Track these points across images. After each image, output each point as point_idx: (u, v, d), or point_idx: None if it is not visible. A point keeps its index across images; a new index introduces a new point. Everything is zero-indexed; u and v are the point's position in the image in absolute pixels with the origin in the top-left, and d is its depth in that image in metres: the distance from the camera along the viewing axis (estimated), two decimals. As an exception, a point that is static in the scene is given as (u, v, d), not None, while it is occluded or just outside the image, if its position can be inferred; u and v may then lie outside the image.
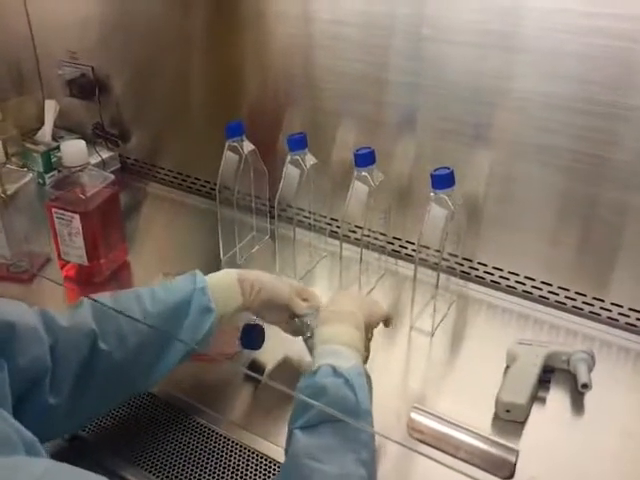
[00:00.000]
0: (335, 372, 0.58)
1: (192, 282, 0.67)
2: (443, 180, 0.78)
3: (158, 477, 0.64)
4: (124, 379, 0.63)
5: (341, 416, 0.53)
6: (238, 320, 0.75)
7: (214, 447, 0.67)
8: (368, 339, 0.71)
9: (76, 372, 0.59)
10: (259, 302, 0.70)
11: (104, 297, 0.65)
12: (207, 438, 0.68)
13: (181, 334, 0.65)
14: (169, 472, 0.65)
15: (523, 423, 0.70)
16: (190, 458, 0.66)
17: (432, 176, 0.78)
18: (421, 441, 0.67)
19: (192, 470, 0.65)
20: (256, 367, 0.78)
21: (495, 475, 0.63)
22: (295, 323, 0.74)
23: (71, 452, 0.63)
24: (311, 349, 0.69)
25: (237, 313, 0.70)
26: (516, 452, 0.65)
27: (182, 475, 0.64)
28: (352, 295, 0.81)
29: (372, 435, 0.56)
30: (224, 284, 0.69)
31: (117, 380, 0.62)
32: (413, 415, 0.69)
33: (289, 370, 0.77)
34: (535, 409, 0.72)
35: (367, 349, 0.70)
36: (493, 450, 0.65)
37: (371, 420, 0.58)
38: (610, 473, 0.65)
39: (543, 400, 0.73)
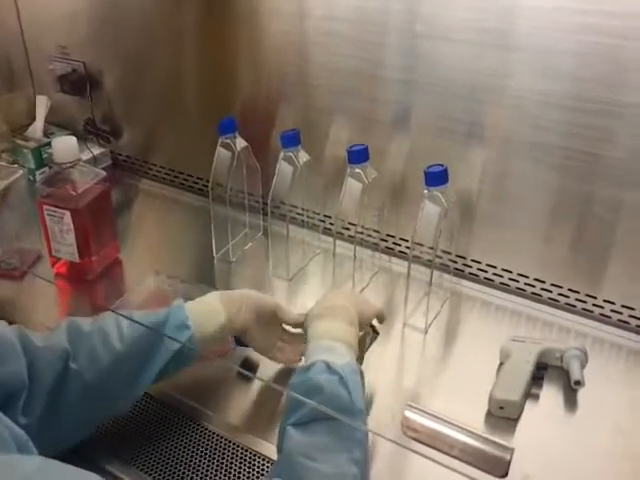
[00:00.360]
0: (329, 369, 0.58)
1: (169, 308, 0.67)
2: (437, 177, 0.78)
3: (151, 475, 0.64)
4: (98, 399, 0.62)
5: (335, 414, 0.53)
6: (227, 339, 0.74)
7: (207, 445, 0.67)
8: (363, 335, 0.70)
9: (48, 392, 0.59)
10: (246, 314, 0.69)
11: (84, 321, 0.65)
12: (200, 436, 0.68)
13: (158, 353, 0.64)
14: (162, 470, 0.64)
15: (516, 420, 0.70)
16: (183, 456, 0.66)
17: (426, 173, 0.78)
18: (415, 439, 0.67)
19: (185, 468, 0.64)
20: (249, 365, 0.78)
21: (490, 473, 0.63)
22: (286, 348, 0.74)
23: (65, 451, 0.63)
24: None
25: (224, 331, 0.68)
26: (511, 450, 0.65)
27: (175, 473, 0.64)
28: (344, 292, 0.81)
29: (365, 433, 0.56)
30: (204, 302, 0.68)
31: (91, 400, 0.61)
32: (407, 413, 0.69)
33: (282, 368, 0.77)
34: (528, 406, 0.72)
35: (362, 345, 0.70)
36: (488, 448, 0.65)
37: (365, 418, 0.58)
38: (603, 469, 0.65)
39: (536, 397, 0.73)
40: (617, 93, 0.74)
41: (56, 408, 0.59)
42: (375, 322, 0.76)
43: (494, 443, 0.65)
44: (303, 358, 0.65)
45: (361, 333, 0.70)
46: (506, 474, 0.63)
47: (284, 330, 0.75)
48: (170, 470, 0.64)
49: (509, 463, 0.64)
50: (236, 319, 0.68)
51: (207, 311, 0.68)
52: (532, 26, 0.77)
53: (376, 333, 0.77)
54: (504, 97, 0.82)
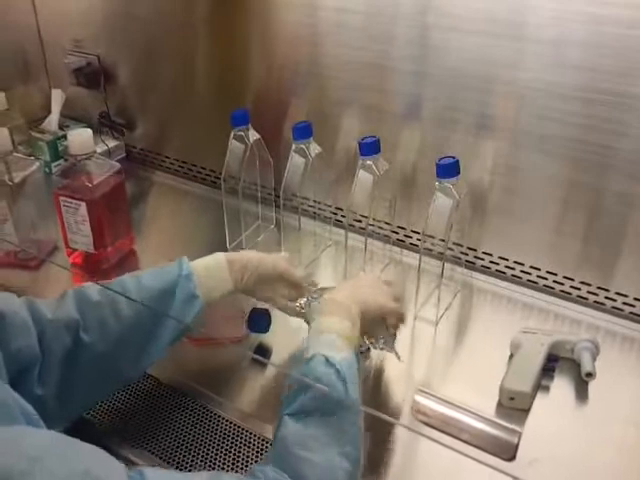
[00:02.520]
0: (327, 362, 0.58)
1: (178, 269, 0.67)
2: (448, 169, 0.78)
3: (161, 458, 0.65)
4: (110, 368, 0.63)
5: (329, 408, 0.54)
6: (239, 303, 0.76)
7: (217, 430, 0.68)
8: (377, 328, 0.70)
9: (61, 363, 0.60)
10: (251, 278, 0.71)
11: (92, 287, 0.65)
12: (211, 421, 0.69)
13: (167, 321, 0.65)
14: (172, 454, 0.65)
15: (527, 411, 0.70)
16: (195, 442, 0.67)
17: (437, 165, 0.78)
18: (425, 423, 0.68)
19: (195, 452, 0.66)
20: (262, 351, 0.79)
21: (498, 456, 0.63)
22: (293, 307, 0.74)
23: (76, 434, 0.64)
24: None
25: (230, 295, 0.70)
26: (518, 434, 0.65)
27: (185, 457, 0.65)
28: (367, 280, 0.77)
29: (360, 429, 0.56)
30: (212, 268, 0.69)
31: (103, 369, 0.62)
32: (418, 397, 0.70)
33: (295, 354, 0.77)
34: (539, 397, 0.72)
35: (375, 335, 0.70)
36: (496, 432, 0.66)
37: (359, 411, 0.58)
38: (613, 461, 0.66)
39: (547, 388, 0.74)
40: (630, 85, 0.74)
41: (70, 378, 0.60)
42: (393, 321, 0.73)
43: (502, 427, 0.66)
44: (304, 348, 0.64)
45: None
46: (514, 457, 0.64)
47: (289, 282, 0.75)
48: (180, 454, 0.65)
49: (517, 446, 0.64)
50: (241, 284, 0.70)
51: (215, 278, 0.69)
52: (544, 17, 0.76)
53: (391, 335, 0.73)
54: (516, 89, 0.81)
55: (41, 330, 0.60)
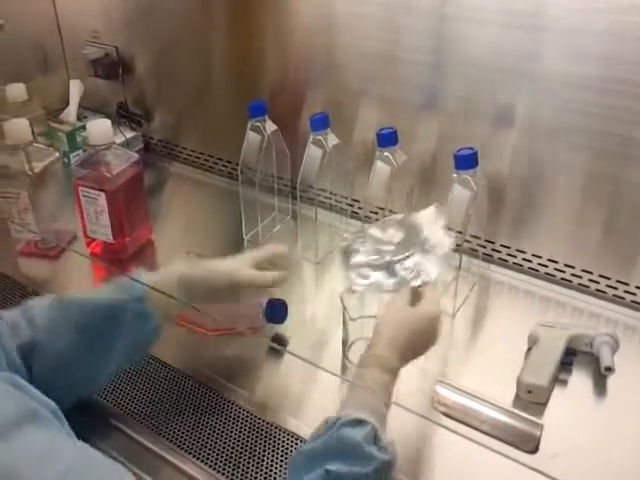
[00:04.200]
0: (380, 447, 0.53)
1: (129, 291, 0.67)
2: (466, 161, 0.77)
3: (179, 446, 0.66)
4: (62, 386, 0.62)
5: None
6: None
7: (235, 420, 0.69)
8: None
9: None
10: (204, 296, 0.71)
11: (43, 300, 0.67)
12: (229, 411, 0.70)
13: (119, 340, 0.65)
14: (190, 442, 0.66)
15: (544, 405, 0.70)
16: (211, 430, 0.67)
17: (455, 157, 0.77)
18: (445, 414, 0.67)
19: (213, 442, 0.66)
20: (279, 340, 0.79)
21: (520, 449, 0.63)
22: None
23: (93, 418, 0.65)
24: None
25: (187, 308, 0.71)
26: (541, 426, 0.65)
27: (202, 446, 0.66)
28: (401, 321, 0.65)
29: None
30: (161, 285, 0.67)
31: (55, 386, 0.60)
32: (438, 388, 0.70)
33: (313, 343, 0.78)
34: (557, 391, 0.71)
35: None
36: (518, 424, 0.65)
37: None
38: (631, 456, 0.65)
39: (565, 382, 0.73)
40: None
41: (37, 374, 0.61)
42: None
43: (524, 419, 0.65)
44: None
45: None
46: (536, 450, 0.63)
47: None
48: (196, 442, 0.66)
49: (539, 439, 0.64)
50: (191, 300, 0.69)
51: (162, 297, 0.67)
52: (563, 7, 0.75)
53: None
54: (534, 79, 0.80)
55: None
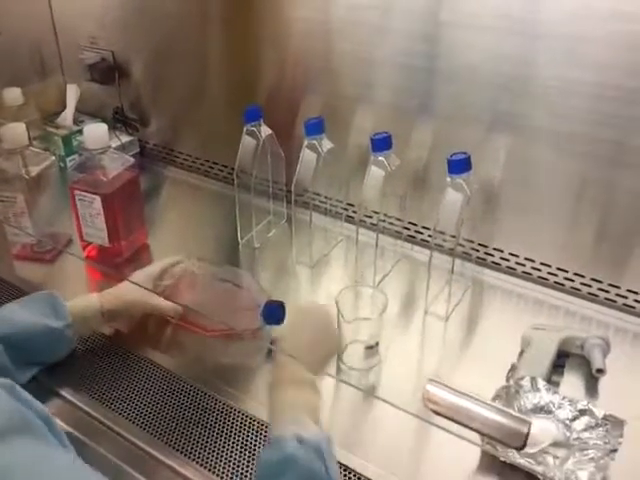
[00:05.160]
0: (302, 442, 0.54)
1: (55, 319, 0.73)
2: (460, 165, 0.78)
3: (175, 449, 0.66)
4: None
5: None
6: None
7: (234, 424, 0.69)
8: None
9: None
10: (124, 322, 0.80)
11: None
12: (224, 413, 0.70)
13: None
14: (185, 445, 0.66)
15: (536, 406, 0.71)
16: (207, 433, 0.68)
17: (449, 161, 0.78)
18: (436, 412, 0.68)
19: (210, 445, 0.66)
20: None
21: (508, 445, 0.64)
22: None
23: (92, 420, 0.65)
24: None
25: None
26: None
27: (200, 448, 0.66)
28: (310, 328, 0.71)
29: None
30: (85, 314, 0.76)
31: None
32: (429, 387, 0.70)
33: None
34: (548, 393, 0.72)
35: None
36: (506, 421, 0.66)
37: None
38: (623, 458, 0.65)
39: (557, 384, 0.74)
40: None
41: None
42: None
43: (513, 416, 0.66)
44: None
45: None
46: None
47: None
48: (196, 445, 0.66)
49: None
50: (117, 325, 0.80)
51: (87, 324, 0.77)
52: (559, 13, 0.76)
53: None
54: (528, 85, 0.81)
55: None
